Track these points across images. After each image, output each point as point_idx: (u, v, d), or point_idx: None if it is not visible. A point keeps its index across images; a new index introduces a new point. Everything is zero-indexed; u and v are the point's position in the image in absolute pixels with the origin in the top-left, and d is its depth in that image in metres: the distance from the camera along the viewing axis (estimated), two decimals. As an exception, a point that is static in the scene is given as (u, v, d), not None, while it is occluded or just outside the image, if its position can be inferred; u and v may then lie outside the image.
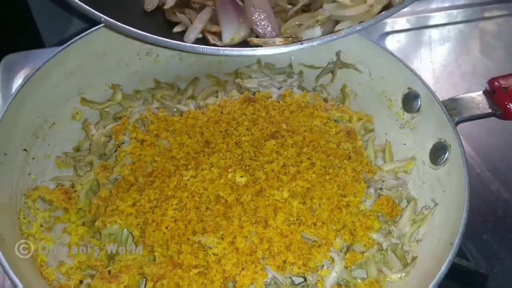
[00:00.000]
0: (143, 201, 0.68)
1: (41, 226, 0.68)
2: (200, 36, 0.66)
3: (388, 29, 1.17)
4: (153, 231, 0.65)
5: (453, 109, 0.74)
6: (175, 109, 0.83)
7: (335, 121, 0.81)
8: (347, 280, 0.67)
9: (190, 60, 0.91)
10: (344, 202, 0.70)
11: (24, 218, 0.68)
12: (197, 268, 0.63)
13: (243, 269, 0.63)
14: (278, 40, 0.62)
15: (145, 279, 0.64)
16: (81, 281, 0.65)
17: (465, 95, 0.76)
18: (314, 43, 0.61)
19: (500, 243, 0.83)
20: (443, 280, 0.60)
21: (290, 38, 0.62)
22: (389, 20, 1.18)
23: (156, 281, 0.62)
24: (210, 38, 0.64)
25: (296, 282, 0.68)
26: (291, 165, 0.71)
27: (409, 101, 0.80)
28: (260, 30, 0.63)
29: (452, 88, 1.05)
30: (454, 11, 1.26)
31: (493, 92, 0.74)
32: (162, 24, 0.69)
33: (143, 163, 0.71)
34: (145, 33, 0.61)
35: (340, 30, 0.63)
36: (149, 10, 0.69)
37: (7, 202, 0.67)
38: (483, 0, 1.29)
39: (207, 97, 0.86)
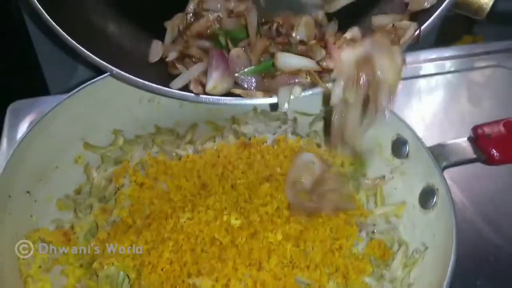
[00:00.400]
0: (140, 243, 0.69)
1: (40, 267, 0.69)
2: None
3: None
4: (149, 273, 0.67)
5: (440, 154, 0.77)
6: (174, 154, 0.86)
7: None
8: (341, 323, 0.68)
9: (190, 107, 0.95)
10: (336, 245, 0.72)
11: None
12: (191, 310, 0.64)
13: (237, 311, 0.64)
14: (258, 93, 0.67)
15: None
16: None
17: (451, 141, 0.80)
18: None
19: (493, 289, 0.83)
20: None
21: (269, 93, 0.67)
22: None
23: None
24: (193, 86, 0.69)
25: (290, 326, 0.69)
26: (285, 208, 0.74)
27: (398, 146, 0.83)
28: (245, 85, 0.68)
29: (441, 135, 1.08)
30: (443, 62, 1.32)
31: (476, 139, 0.78)
32: (164, 73, 0.74)
33: (141, 206, 0.74)
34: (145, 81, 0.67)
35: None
36: (152, 62, 0.74)
37: (9, 242, 0.68)
38: (472, 52, 1.35)
39: (205, 142, 0.89)
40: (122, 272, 0.69)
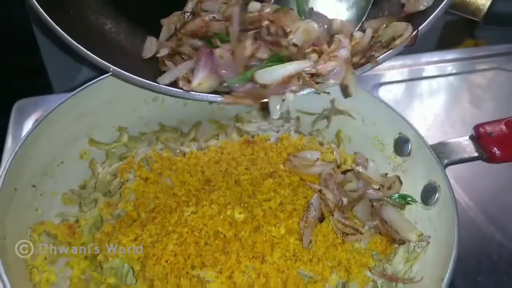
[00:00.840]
0: (145, 236, 0.70)
1: (45, 259, 0.70)
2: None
3: (381, 80, 1.24)
4: (154, 265, 0.67)
5: (441, 152, 0.78)
6: (178, 151, 0.87)
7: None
8: (343, 316, 0.68)
9: (194, 106, 0.96)
10: (339, 239, 0.73)
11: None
12: (195, 302, 0.65)
13: (240, 303, 0.64)
14: (247, 100, 0.68)
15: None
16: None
17: (453, 139, 0.80)
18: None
19: (494, 285, 0.84)
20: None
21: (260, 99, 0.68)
22: (382, 72, 1.25)
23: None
24: (181, 82, 0.70)
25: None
26: (288, 203, 0.74)
27: (400, 145, 0.84)
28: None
29: (442, 135, 1.09)
30: (444, 65, 1.33)
31: (478, 138, 0.78)
32: (158, 69, 0.75)
33: (146, 200, 0.74)
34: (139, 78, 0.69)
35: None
36: (145, 58, 0.76)
37: (14, 234, 0.69)
38: (473, 55, 1.37)
39: (209, 140, 0.90)
40: (126, 264, 0.70)
